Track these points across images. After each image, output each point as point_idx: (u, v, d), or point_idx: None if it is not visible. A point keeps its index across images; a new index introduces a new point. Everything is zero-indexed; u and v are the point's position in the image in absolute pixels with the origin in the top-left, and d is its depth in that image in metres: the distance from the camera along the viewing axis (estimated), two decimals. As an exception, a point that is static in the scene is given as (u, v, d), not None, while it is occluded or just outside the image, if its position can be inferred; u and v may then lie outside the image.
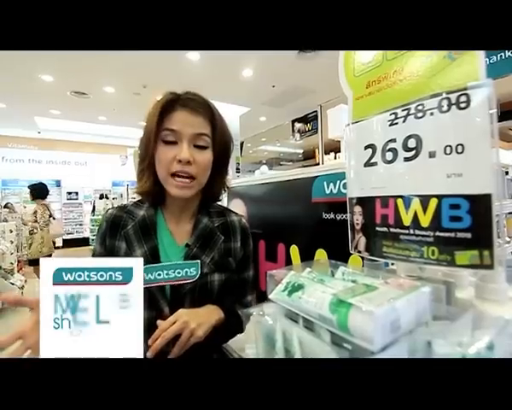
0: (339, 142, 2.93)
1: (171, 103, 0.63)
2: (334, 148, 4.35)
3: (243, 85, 5.05)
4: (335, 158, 4.11)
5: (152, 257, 0.64)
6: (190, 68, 4.41)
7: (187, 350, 0.57)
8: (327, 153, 4.74)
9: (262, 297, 0.43)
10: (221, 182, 0.74)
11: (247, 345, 0.41)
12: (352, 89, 0.56)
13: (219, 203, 0.80)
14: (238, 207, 1.10)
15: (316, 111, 5.56)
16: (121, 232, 0.67)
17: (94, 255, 0.70)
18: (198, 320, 0.58)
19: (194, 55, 4.06)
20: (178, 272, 0.63)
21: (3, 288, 3.49)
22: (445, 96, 0.39)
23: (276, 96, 5.52)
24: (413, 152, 0.42)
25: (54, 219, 3.86)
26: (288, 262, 0.95)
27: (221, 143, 0.68)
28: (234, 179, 1.19)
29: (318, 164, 5.16)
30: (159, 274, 0.62)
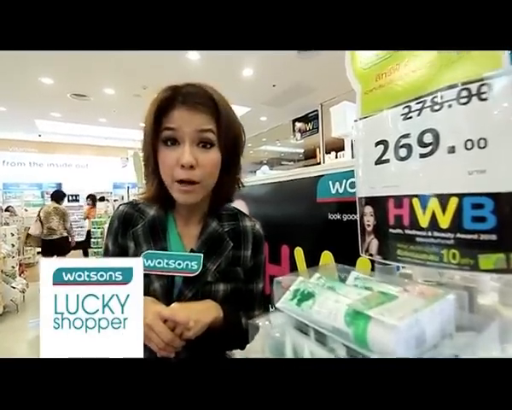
0: (340, 140, 2.90)
1: (169, 101, 0.58)
2: (335, 147, 4.32)
3: (243, 85, 5.01)
4: (336, 157, 4.09)
5: None
6: (190, 68, 4.39)
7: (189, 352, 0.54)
8: (328, 152, 4.71)
9: (266, 301, 0.40)
10: (233, 181, 0.67)
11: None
12: (361, 82, 0.53)
13: (233, 205, 0.73)
14: (240, 209, 1.07)
15: (316, 110, 5.52)
16: (130, 231, 0.65)
17: (106, 254, 0.68)
18: (194, 317, 0.53)
19: (194, 55, 4.03)
20: (179, 264, 0.60)
21: (5, 292, 3.48)
22: (464, 86, 0.36)
23: (277, 96, 5.48)
24: (429, 148, 0.39)
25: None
26: (292, 264, 0.92)
27: (229, 138, 0.60)
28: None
29: (319, 163, 5.13)
30: (159, 262, 0.61)
